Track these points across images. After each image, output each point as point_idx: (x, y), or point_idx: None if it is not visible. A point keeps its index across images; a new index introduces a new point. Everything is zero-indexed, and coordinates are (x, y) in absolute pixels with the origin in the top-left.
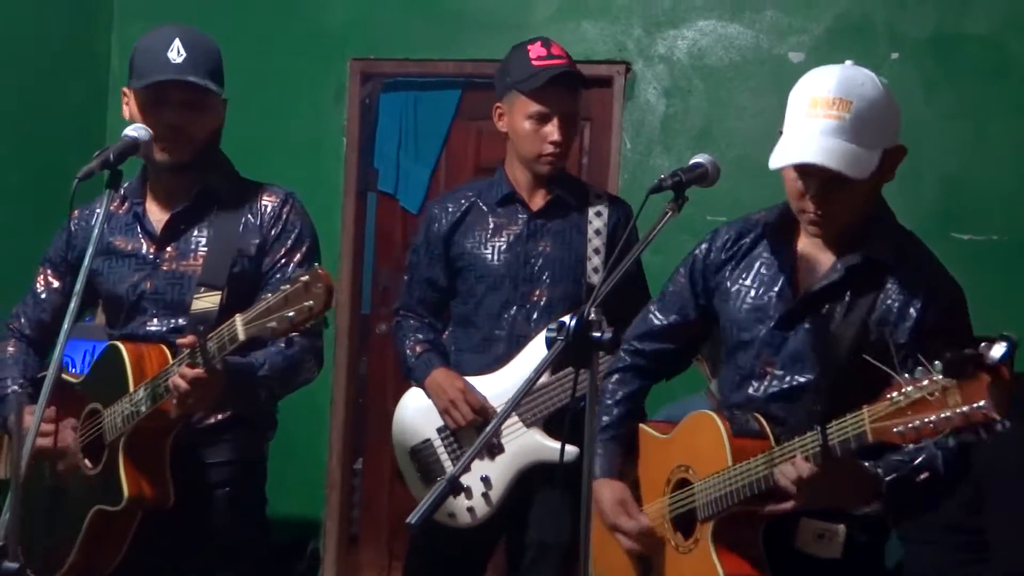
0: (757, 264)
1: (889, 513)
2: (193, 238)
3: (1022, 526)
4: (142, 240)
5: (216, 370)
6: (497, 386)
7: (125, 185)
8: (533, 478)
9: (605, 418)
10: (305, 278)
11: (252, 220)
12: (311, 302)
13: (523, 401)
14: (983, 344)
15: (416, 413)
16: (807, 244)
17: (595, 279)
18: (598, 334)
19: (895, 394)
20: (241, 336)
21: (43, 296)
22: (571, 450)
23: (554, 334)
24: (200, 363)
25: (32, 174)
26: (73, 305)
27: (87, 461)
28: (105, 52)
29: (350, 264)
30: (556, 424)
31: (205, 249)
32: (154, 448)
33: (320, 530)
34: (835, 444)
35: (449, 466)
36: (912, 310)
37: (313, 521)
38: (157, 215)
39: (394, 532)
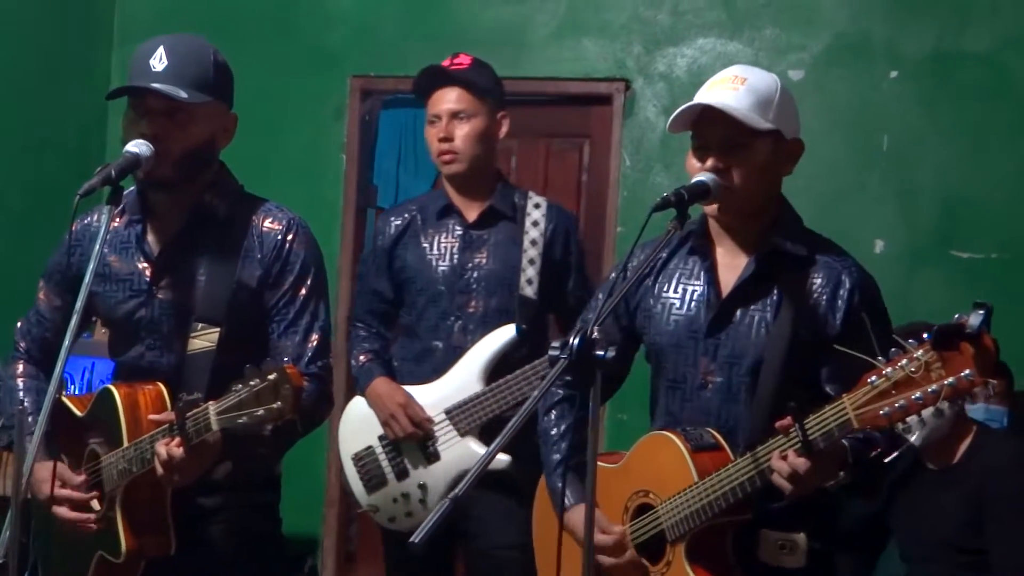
0: (676, 276)
1: (853, 481)
2: (190, 265)
3: (1022, 545)
4: (138, 264)
5: (197, 447)
6: (433, 395)
7: (125, 192)
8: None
9: (556, 455)
10: (273, 376)
11: (253, 248)
12: (279, 404)
13: (457, 411)
14: (957, 315)
15: (359, 421)
16: (724, 253)
17: (528, 291)
18: (601, 352)
19: (874, 378)
20: (214, 427)
21: (46, 315)
22: (501, 458)
23: (557, 352)
24: (180, 440)
25: (33, 195)
26: (73, 323)
27: (95, 503)
28: (105, 72)
29: (349, 281)
30: (490, 433)
31: (203, 278)
32: (153, 499)
33: (318, 547)
34: (817, 438)
35: (390, 473)
36: (839, 303)
37: (311, 538)
38: (155, 237)
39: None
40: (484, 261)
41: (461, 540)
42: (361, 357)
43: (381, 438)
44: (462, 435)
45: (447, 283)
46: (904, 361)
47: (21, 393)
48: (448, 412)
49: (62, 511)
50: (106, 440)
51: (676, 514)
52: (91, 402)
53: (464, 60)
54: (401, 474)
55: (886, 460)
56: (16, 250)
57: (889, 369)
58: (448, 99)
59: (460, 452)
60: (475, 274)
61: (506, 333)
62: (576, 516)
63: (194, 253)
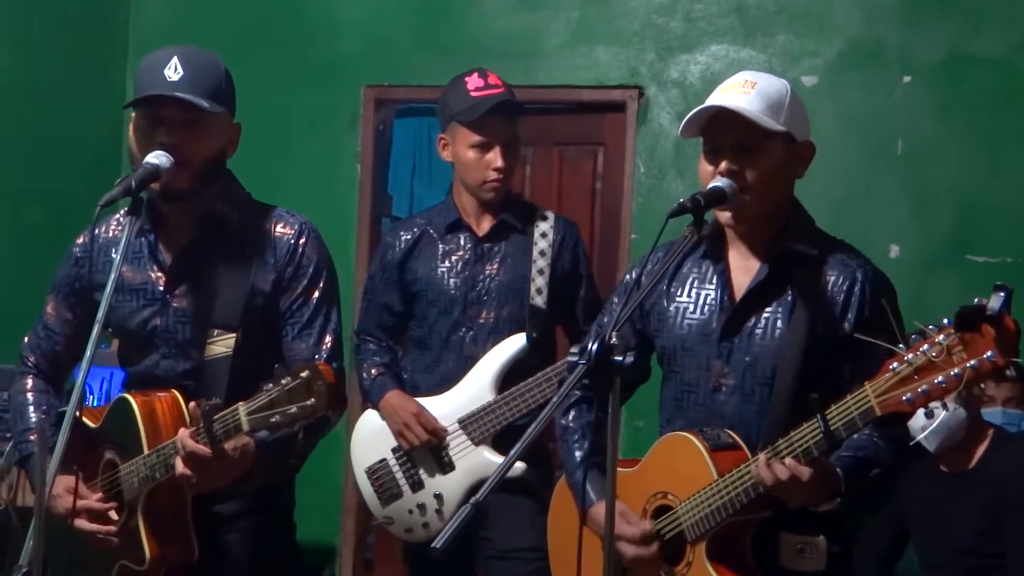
0: (689, 280)
1: (847, 507)
2: (204, 273)
3: None
4: (151, 273)
5: (224, 451)
6: (446, 406)
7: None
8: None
9: (579, 452)
10: (306, 374)
11: (266, 253)
12: (312, 400)
13: (471, 420)
14: (977, 299)
15: (372, 434)
16: (737, 256)
17: (538, 300)
18: (620, 358)
19: (896, 364)
20: (245, 427)
21: (55, 329)
22: (517, 465)
23: (575, 358)
24: (206, 441)
25: (49, 206)
26: (96, 332)
27: (113, 513)
28: (120, 85)
29: None
30: (504, 441)
31: (217, 285)
32: (175, 505)
33: (335, 556)
34: (839, 428)
35: (404, 485)
36: (854, 300)
37: (328, 547)
38: (167, 247)
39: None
40: (495, 272)
41: (478, 543)
42: (373, 371)
43: (395, 450)
44: (476, 444)
45: (460, 295)
46: (925, 346)
47: (31, 408)
48: (461, 421)
49: (82, 523)
50: (123, 449)
51: (696, 513)
52: (104, 413)
53: (500, 81)
54: (416, 485)
55: (912, 443)
56: (33, 262)
57: (910, 355)
58: (508, 129)
59: (475, 461)
60: (487, 285)
61: (517, 342)
62: (598, 512)
63: (207, 261)
